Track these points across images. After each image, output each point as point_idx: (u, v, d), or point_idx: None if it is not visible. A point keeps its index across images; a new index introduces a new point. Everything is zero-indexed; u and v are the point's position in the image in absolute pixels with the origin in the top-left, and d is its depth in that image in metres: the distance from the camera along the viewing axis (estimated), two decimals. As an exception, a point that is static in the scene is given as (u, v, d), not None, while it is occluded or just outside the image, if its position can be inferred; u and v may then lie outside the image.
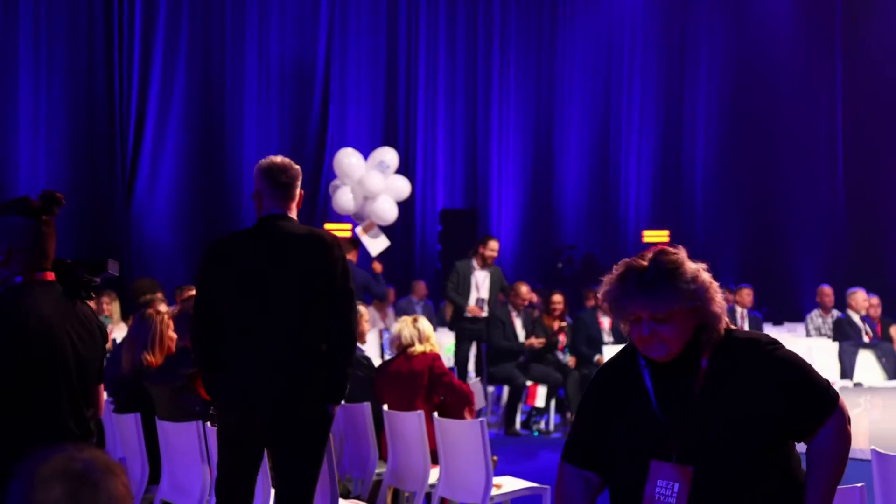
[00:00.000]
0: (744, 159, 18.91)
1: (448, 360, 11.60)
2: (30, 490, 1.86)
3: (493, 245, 11.26)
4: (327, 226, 16.59)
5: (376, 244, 12.69)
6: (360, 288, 11.61)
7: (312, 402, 4.61)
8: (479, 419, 5.75)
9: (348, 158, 13.39)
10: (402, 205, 18.10)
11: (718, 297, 2.88)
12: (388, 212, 13.06)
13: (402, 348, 6.78)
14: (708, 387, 2.83)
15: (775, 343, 2.90)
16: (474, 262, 11.34)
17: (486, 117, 18.87)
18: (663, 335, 2.82)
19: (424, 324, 6.79)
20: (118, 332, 10.59)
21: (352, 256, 11.92)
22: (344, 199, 13.16)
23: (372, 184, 13.06)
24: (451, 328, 11.70)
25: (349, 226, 14.53)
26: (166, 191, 16.35)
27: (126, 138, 16.04)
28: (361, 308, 7.31)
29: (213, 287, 4.61)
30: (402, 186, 13.47)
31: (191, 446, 5.62)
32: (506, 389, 11.24)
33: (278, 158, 4.84)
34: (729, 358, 2.85)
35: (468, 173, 18.80)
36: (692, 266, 2.88)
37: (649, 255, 2.90)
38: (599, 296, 2.95)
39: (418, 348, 6.70)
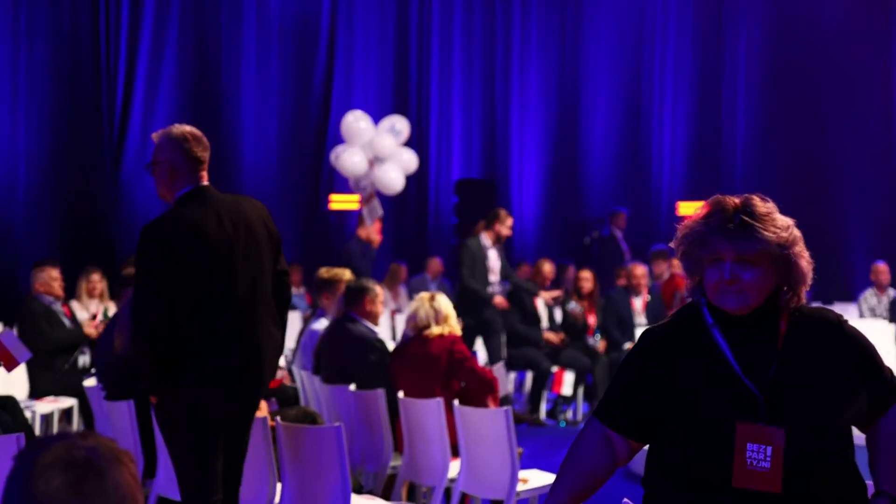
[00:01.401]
0: (789, 124, 18.79)
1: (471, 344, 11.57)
2: (29, 480, 1.85)
3: (510, 221, 10.85)
4: (333, 197, 16.61)
5: (371, 217, 12.67)
6: (366, 262, 11.50)
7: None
8: (504, 408, 5.74)
9: (357, 122, 13.34)
10: (413, 176, 18.18)
11: (807, 256, 2.94)
12: (394, 181, 12.98)
13: (418, 330, 6.75)
14: (788, 351, 2.88)
15: (842, 318, 2.97)
16: (485, 240, 10.77)
17: (505, 80, 18.81)
18: (745, 282, 2.86)
19: (443, 302, 6.76)
20: (110, 312, 10.63)
21: (374, 231, 11.87)
22: (351, 161, 13.10)
23: (383, 146, 13.00)
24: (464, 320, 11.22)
25: (356, 197, 14.50)
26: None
27: (114, 102, 16.01)
28: (377, 287, 7.30)
29: (178, 275, 4.64)
30: (410, 159, 13.38)
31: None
32: (529, 375, 11.22)
33: (187, 127, 4.93)
34: (804, 326, 2.92)
35: (486, 141, 18.75)
36: (784, 217, 2.95)
37: (738, 197, 2.94)
38: (677, 237, 2.95)
39: (435, 330, 6.67)
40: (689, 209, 17.61)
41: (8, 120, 15.32)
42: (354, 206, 15.86)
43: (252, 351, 4.80)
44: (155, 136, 4.95)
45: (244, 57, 17.15)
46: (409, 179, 18.00)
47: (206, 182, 4.90)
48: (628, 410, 2.96)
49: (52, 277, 9.37)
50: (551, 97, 18.97)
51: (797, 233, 2.94)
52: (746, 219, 2.88)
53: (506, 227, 10.69)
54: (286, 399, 8.28)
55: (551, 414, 11.30)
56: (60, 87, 15.61)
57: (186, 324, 4.66)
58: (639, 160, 19.01)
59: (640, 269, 11.72)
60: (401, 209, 18.08)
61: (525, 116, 18.85)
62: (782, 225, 2.91)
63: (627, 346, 11.30)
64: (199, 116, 16.69)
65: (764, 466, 2.78)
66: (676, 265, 12.44)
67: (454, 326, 6.72)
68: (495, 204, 17.87)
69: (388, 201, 17.92)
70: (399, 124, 13.36)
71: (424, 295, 6.85)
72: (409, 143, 17.97)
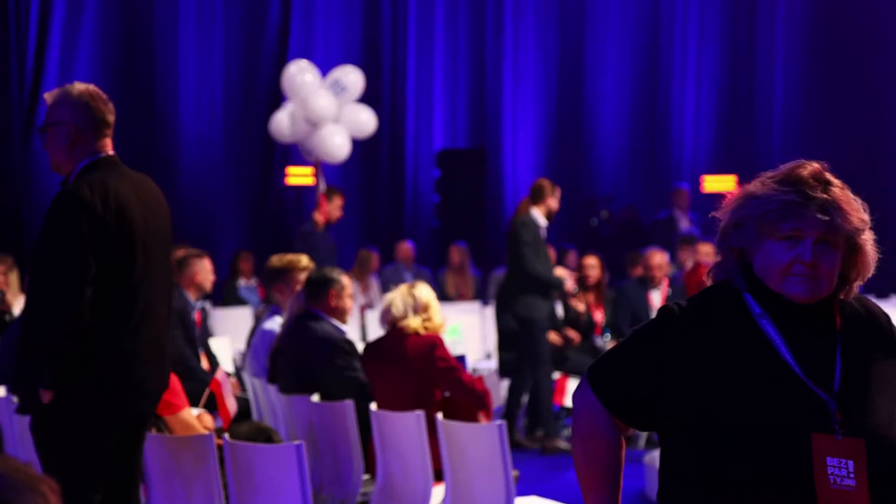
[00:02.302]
0: (835, 87, 18.81)
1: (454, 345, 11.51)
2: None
3: (559, 192, 10.84)
4: (291, 170, 16.55)
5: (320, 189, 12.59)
6: (323, 249, 11.43)
7: None
8: (497, 422, 5.73)
9: (302, 75, 13.16)
10: (388, 145, 18.15)
11: (873, 244, 2.97)
12: (337, 148, 12.82)
13: (393, 324, 6.73)
14: (847, 350, 2.90)
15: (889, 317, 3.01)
16: (539, 218, 10.65)
17: (496, 31, 18.80)
18: (821, 267, 2.87)
19: (423, 292, 6.73)
20: (18, 305, 10.56)
21: (335, 208, 11.80)
22: (279, 122, 12.93)
23: (318, 106, 12.78)
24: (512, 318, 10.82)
25: (311, 170, 14.45)
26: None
27: (24, 60, 15.92)
28: (344, 279, 7.28)
29: (100, 252, 4.72)
30: (364, 119, 13.15)
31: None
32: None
33: (91, 85, 5.00)
34: (856, 321, 2.96)
35: (474, 104, 18.74)
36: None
37: (812, 166, 2.95)
38: (733, 203, 2.94)
39: (412, 322, 6.64)
40: (719, 184, 17.66)
41: None
42: (310, 181, 15.82)
43: (158, 350, 4.96)
44: (48, 95, 4.97)
45: (181, 7, 17.05)
46: (382, 149, 18.02)
47: (112, 151, 4.95)
48: (639, 399, 2.94)
49: None
50: (551, 53, 18.96)
51: (867, 217, 2.96)
52: (836, 192, 2.89)
53: (556, 199, 10.72)
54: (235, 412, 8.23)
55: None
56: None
57: (96, 310, 4.72)
58: (656, 128, 19.04)
59: (658, 258, 11.67)
60: (371, 185, 18.05)
61: (520, 74, 18.83)
62: (861, 206, 2.94)
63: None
64: (126, 77, 16.62)
65: (848, 484, 2.78)
66: (703, 252, 12.42)
67: (436, 322, 6.69)
68: (484, 178, 17.86)
69: (354, 175, 17.92)
70: (348, 77, 13.17)
71: (404, 286, 6.84)
72: (380, 106, 17.97)
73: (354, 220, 17.59)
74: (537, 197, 10.64)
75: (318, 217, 11.66)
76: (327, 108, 12.72)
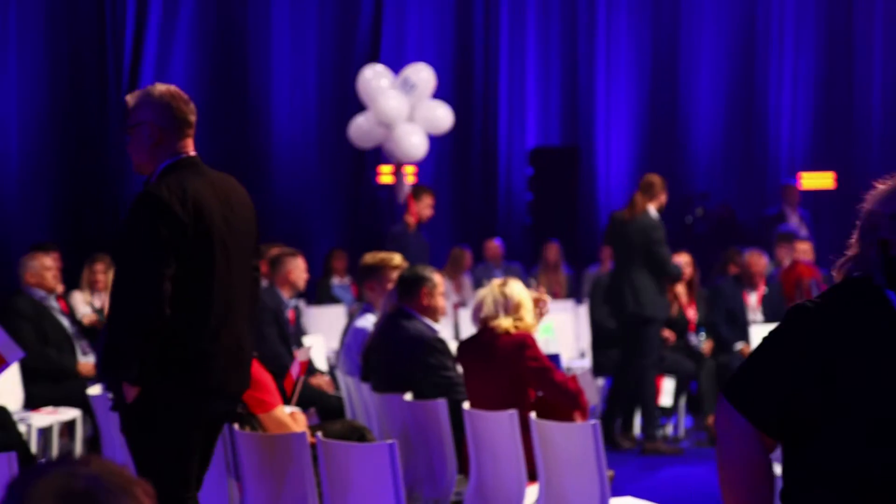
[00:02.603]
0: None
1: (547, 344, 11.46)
2: (19, 513, 1.83)
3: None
4: (384, 168, 16.58)
5: (400, 193, 12.58)
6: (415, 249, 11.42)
7: None
8: (591, 422, 5.68)
9: (377, 79, 13.20)
10: (480, 143, 18.13)
11: None
12: (415, 147, 12.84)
13: (483, 322, 6.70)
14: None
15: None
16: (655, 213, 10.70)
17: (589, 28, 18.71)
18: None
19: (515, 290, 6.67)
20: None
21: (425, 207, 11.78)
22: (357, 127, 12.97)
23: (388, 107, 12.81)
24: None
25: (411, 168, 14.47)
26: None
27: (121, 60, 16.09)
28: (436, 277, 7.27)
29: (178, 253, 4.75)
30: (440, 115, 13.15)
31: (214, 455, 5.62)
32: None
33: (174, 87, 5.02)
34: None
35: (566, 102, 18.67)
36: None
37: None
38: (886, 191, 2.88)
39: (503, 322, 6.61)
40: (817, 181, 17.43)
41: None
42: (410, 179, 15.82)
43: (239, 352, 4.97)
44: (130, 97, 5.00)
45: (274, 6, 17.15)
46: (475, 148, 18.01)
47: (193, 152, 4.97)
48: (779, 406, 2.89)
49: (45, 266, 9.37)
50: (645, 50, 18.83)
51: None
52: None
53: (665, 194, 10.77)
54: (329, 410, 8.28)
55: (645, 430, 11.19)
56: (58, 42, 15.69)
57: (175, 312, 4.75)
58: (752, 124, 18.83)
59: (758, 259, 11.53)
60: (464, 183, 18.04)
61: (613, 71, 18.73)
62: None
63: (739, 347, 11.16)
64: (220, 77, 16.76)
65: None
66: (800, 250, 12.26)
67: (528, 321, 6.64)
68: (578, 176, 17.78)
69: (446, 174, 17.93)
70: (418, 75, 13.17)
71: (496, 281, 6.77)
72: (473, 103, 17.94)
73: (447, 219, 17.59)
74: (651, 193, 10.62)
75: (409, 219, 11.66)
76: (398, 109, 12.74)
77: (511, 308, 6.62)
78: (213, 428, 5.02)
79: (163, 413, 4.79)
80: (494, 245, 15.34)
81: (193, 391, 4.83)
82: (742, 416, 2.91)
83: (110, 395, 4.98)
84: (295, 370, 6.66)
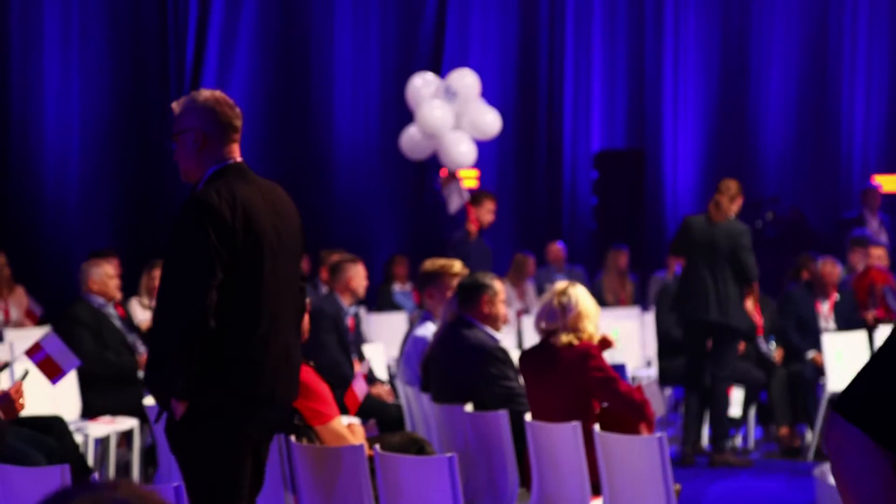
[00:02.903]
0: None
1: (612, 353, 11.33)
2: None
3: None
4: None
5: (454, 201, 12.39)
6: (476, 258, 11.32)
7: None
8: (657, 434, 5.60)
9: (426, 87, 13.08)
10: (545, 147, 18.04)
11: None
12: (463, 155, 12.69)
13: (545, 333, 6.61)
14: None
15: None
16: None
17: (656, 29, 18.62)
18: None
19: (579, 295, 6.56)
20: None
21: (486, 213, 11.68)
22: (408, 139, 12.86)
23: (432, 117, 12.69)
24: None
25: (473, 172, 14.38)
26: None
27: (182, 63, 16.17)
28: (497, 284, 7.19)
29: (229, 261, 4.74)
30: (489, 121, 12.95)
31: (270, 468, 5.57)
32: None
33: (219, 92, 5.04)
34: None
35: (633, 103, 18.59)
36: None
37: None
38: None
39: (563, 338, 6.51)
40: (890, 183, 17.21)
41: (58, 82, 15.51)
42: (472, 184, 15.75)
43: (288, 360, 4.94)
44: (175, 104, 5.01)
45: (337, 10, 17.17)
46: (539, 151, 17.93)
47: (240, 158, 4.97)
48: None
49: (108, 274, 9.39)
50: (713, 50, 18.73)
51: None
52: None
53: (742, 199, 10.67)
54: (388, 421, 8.21)
55: (715, 440, 11.04)
56: (121, 45, 15.79)
57: (222, 321, 4.73)
58: (824, 126, 18.64)
59: (831, 269, 11.34)
60: (527, 188, 17.96)
61: (680, 72, 18.63)
62: None
63: (811, 355, 11.00)
64: (283, 80, 16.80)
65: None
66: (875, 256, 12.07)
67: (592, 329, 6.53)
68: (644, 179, 17.66)
69: (509, 178, 17.85)
70: (465, 80, 13.01)
71: (560, 284, 6.65)
72: (537, 107, 17.85)
73: (511, 224, 17.52)
74: (732, 197, 10.45)
75: (470, 226, 11.57)
76: (442, 118, 12.61)
77: (570, 321, 6.50)
78: (263, 439, 4.97)
79: (211, 425, 4.76)
80: (557, 248, 15.23)
81: (242, 400, 4.79)
82: (861, 431, 2.79)
83: (157, 410, 4.91)
84: (360, 389, 6.65)
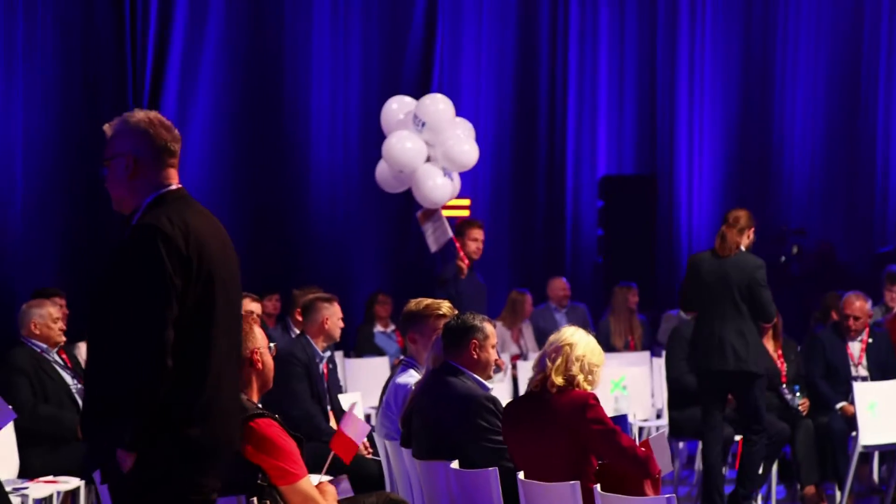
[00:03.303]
0: None
1: (618, 401, 11.30)
2: None
3: None
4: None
5: (436, 238, 12.13)
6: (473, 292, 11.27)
7: None
8: (666, 495, 5.54)
9: (402, 111, 12.45)
10: (545, 172, 18.01)
11: None
12: (436, 190, 12.18)
13: (537, 383, 6.57)
14: None
15: None
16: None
17: (670, 42, 18.69)
18: None
19: (583, 344, 6.53)
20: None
21: (470, 242, 11.62)
22: (380, 173, 12.33)
23: (395, 151, 12.08)
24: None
25: (465, 201, 14.34)
26: (199, 149, 16.39)
27: (142, 80, 16.15)
28: (488, 327, 7.14)
29: (182, 295, 4.75)
30: (464, 151, 12.04)
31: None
32: (701, 445, 10.98)
33: (153, 112, 5.09)
34: None
35: (643, 124, 18.62)
36: None
37: None
38: None
39: (557, 380, 6.47)
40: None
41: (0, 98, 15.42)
42: (464, 213, 15.72)
43: (236, 408, 5.04)
44: (107, 126, 5.06)
45: (315, 22, 17.18)
46: (538, 179, 17.91)
47: (178, 184, 5.01)
48: None
49: (51, 317, 9.35)
50: (733, 70, 18.85)
51: None
52: None
53: (754, 230, 10.62)
54: (364, 479, 8.15)
55: (733, 499, 11.01)
56: (71, 58, 15.72)
57: (175, 361, 4.73)
58: (856, 151, 18.69)
59: (860, 304, 11.28)
60: (524, 218, 17.93)
61: (696, 90, 18.70)
62: None
63: (841, 405, 10.96)
64: (254, 98, 16.78)
65: None
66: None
67: (592, 378, 6.52)
68: (655, 208, 17.64)
69: (505, 207, 17.81)
70: (437, 107, 12.35)
71: (564, 332, 6.60)
72: (537, 129, 17.86)
73: (506, 259, 17.49)
74: (742, 229, 10.40)
75: (460, 263, 11.47)
76: (401, 153, 11.98)
77: (572, 368, 6.47)
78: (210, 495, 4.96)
79: (163, 482, 4.72)
80: (559, 282, 15.07)
81: (198, 452, 4.78)
82: None
83: (96, 465, 4.87)
84: (356, 430, 6.60)
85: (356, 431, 6.94)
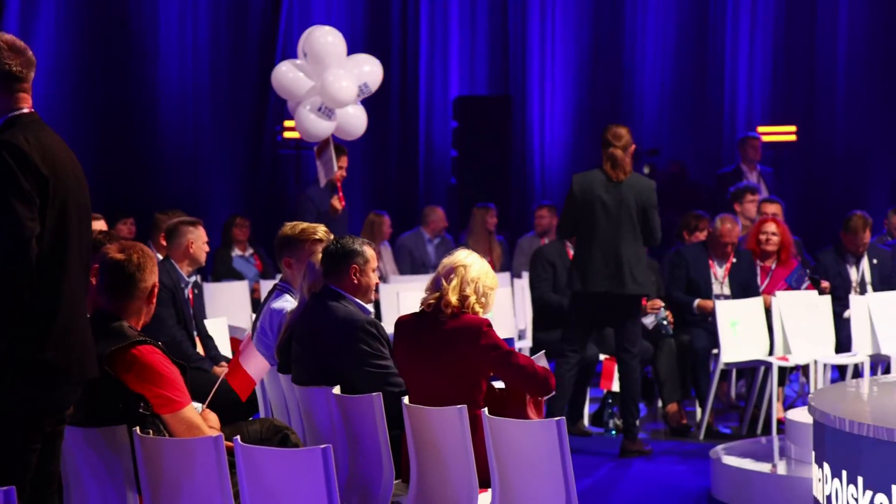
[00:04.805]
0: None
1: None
2: None
3: None
4: (288, 123, 16.34)
5: (325, 172, 12.04)
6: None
7: None
8: (557, 419, 5.54)
9: (325, 38, 12.21)
10: (394, 96, 17.92)
11: None
12: (356, 125, 12.14)
13: (430, 304, 6.52)
14: None
15: None
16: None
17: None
18: None
19: (476, 263, 6.49)
20: None
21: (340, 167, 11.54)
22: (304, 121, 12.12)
23: (280, 79, 12.07)
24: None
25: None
26: (43, 65, 15.85)
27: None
28: (368, 250, 7.10)
29: (43, 214, 4.79)
30: (342, 89, 11.93)
31: (112, 462, 5.46)
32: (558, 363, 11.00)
33: (5, 35, 5.02)
34: None
35: (495, 46, 18.62)
36: None
37: None
38: None
39: (452, 298, 6.42)
40: (776, 135, 17.52)
41: None
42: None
43: (88, 331, 5.05)
44: None
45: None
46: (392, 101, 17.83)
47: (30, 108, 4.98)
48: None
49: None
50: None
51: None
52: None
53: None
54: (239, 406, 8.03)
55: (597, 419, 11.13)
56: None
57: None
58: (705, 74, 18.91)
59: (730, 226, 11.32)
60: (378, 139, 17.86)
61: (548, 12, 18.84)
62: None
63: (697, 302, 11.06)
64: (99, 19, 16.47)
65: None
66: (771, 208, 12.18)
67: (486, 303, 6.50)
68: (510, 127, 17.65)
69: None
70: (372, 75, 12.23)
71: (458, 255, 6.55)
72: (391, 52, 17.75)
73: (362, 181, 17.41)
74: (625, 146, 10.23)
75: (336, 204, 11.44)
76: (294, 82, 11.91)
77: (466, 288, 6.43)
78: (58, 432, 5.03)
79: (11, 405, 4.78)
80: (438, 213, 14.81)
81: (50, 376, 4.83)
82: None
83: None
84: (256, 365, 6.52)
85: (256, 368, 6.82)
